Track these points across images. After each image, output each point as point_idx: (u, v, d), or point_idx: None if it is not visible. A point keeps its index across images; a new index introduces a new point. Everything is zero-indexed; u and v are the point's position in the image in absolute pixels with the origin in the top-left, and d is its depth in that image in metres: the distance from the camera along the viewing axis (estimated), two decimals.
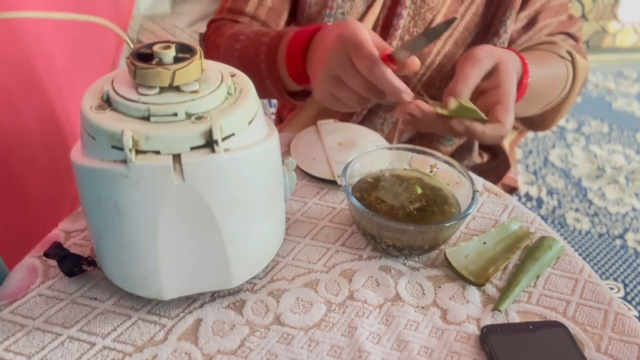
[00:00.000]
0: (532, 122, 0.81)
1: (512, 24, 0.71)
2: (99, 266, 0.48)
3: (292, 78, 0.65)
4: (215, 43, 0.75)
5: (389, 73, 0.51)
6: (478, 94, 0.56)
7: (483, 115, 0.53)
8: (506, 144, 0.86)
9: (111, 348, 0.43)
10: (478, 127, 0.53)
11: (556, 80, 0.70)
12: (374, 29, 0.74)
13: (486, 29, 0.73)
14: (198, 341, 0.44)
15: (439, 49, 0.73)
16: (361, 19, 0.74)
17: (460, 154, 0.84)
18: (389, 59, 0.52)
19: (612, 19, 2.51)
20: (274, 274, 0.51)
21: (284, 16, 0.78)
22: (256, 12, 0.76)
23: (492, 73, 0.56)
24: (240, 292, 0.49)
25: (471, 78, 0.54)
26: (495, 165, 0.86)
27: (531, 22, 0.74)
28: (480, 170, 0.86)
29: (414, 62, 0.54)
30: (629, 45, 2.63)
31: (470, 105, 0.53)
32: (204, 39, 0.81)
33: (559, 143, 2.00)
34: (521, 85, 0.61)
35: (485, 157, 0.87)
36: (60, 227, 0.55)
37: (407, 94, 0.53)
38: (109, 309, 0.47)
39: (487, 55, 0.55)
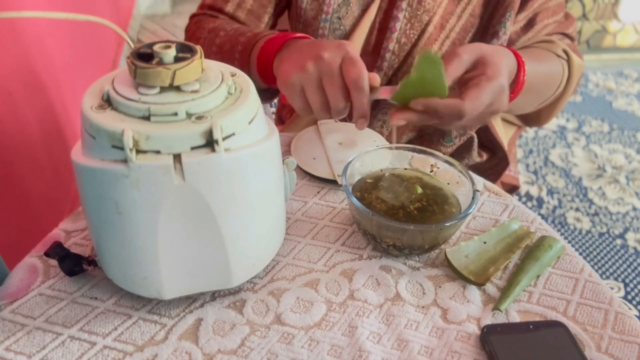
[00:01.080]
0: (528, 118, 0.82)
1: (511, 26, 0.71)
2: (100, 266, 0.48)
3: (260, 78, 0.66)
4: (196, 35, 0.76)
5: (367, 92, 0.54)
6: (461, 86, 0.56)
7: (440, 85, 0.52)
8: (505, 141, 0.86)
9: (112, 347, 0.44)
10: (435, 101, 0.52)
11: (552, 78, 0.71)
12: (370, 32, 0.74)
13: (484, 30, 0.73)
14: (198, 341, 0.44)
15: (436, 51, 0.73)
16: (357, 22, 0.74)
17: (460, 153, 0.84)
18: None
19: (613, 18, 2.51)
20: (274, 274, 0.51)
21: (265, 19, 0.78)
22: (235, 12, 0.77)
23: (477, 66, 0.55)
24: (241, 292, 0.49)
25: (460, 61, 0.54)
26: (494, 163, 0.87)
27: (530, 23, 0.74)
28: (480, 168, 0.86)
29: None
30: (630, 45, 2.63)
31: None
32: (185, 30, 0.82)
33: (560, 142, 2.00)
34: (517, 81, 0.61)
35: (485, 156, 0.87)
36: (61, 226, 0.55)
37: (365, 122, 0.55)
38: (110, 308, 0.47)
39: (467, 50, 0.55)
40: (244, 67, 0.68)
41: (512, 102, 0.62)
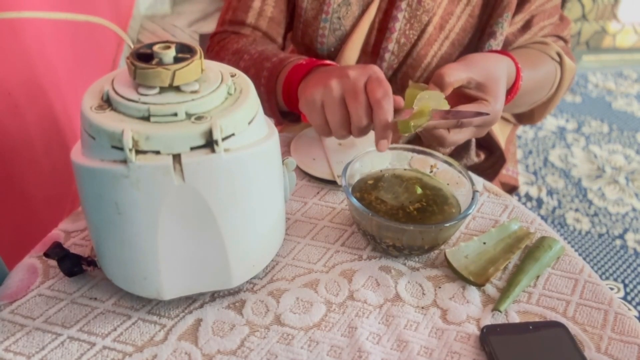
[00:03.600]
0: (522, 117, 0.84)
1: (508, 27, 0.72)
2: (99, 266, 0.48)
3: (284, 102, 0.67)
4: (220, 56, 0.76)
5: (391, 112, 0.54)
6: (466, 99, 0.59)
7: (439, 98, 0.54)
8: (501, 140, 0.86)
9: (111, 348, 0.43)
10: (441, 132, 0.57)
11: (545, 82, 0.73)
12: (370, 32, 0.75)
13: (482, 31, 0.73)
14: (198, 341, 0.44)
15: (436, 51, 0.73)
16: (357, 22, 0.74)
17: (458, 154, 0.84)
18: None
19: (612, 19, 2.50)
20: (274, 274, 0.51)
21: (284, 25, 0.79)
22: (257, 22, 0.77)
23: (479, 88, 0.58)
24: (240, 292, 0.49)
25: (459, 69, 0.57)
26: (492, 162, 0.87)
27: (527, 25, 0.74)
28: (477, 168, 0.87)
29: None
30: (629, 46, 2.63)
31: (419, 90, 0.54)
32: (207, 50, 0.81)
33: (559, 143, 2.00)
34: (514, 87, 0.65)
35: (482, 156, 0.87)
36: (60, 227, 0.55)
37: (386, 144, 0.55)
38: (109, 309, 0.47)
39: (474, 67, 0.58)
40: (271, 93, 0.68)
41: (506, 105, 0.64)
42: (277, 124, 0.98)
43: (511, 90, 0.65)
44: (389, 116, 0.53)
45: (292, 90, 0.64)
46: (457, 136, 0.58)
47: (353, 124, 0.56)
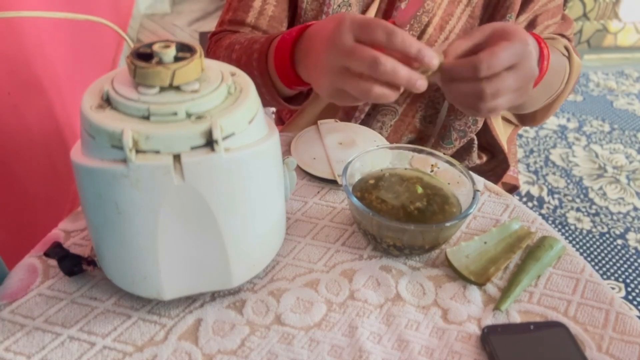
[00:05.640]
0: (524, 117, 0.81)
1: None
2: (99, 266, 0.48)
3: (283, 83, 0.62)
4: (216, 54, 0.74)
5: (408, 35, 0.47)
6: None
7: None
8: (503, 142, 0.86)
9: (111, 348, 0.43)
10: (447, 60, 0.48)
11: (561, 72, 0.68)
12: None
13: None
14: (198, 341, 0.44)
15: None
16: None
17: (459, 155, 0.84)
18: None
19: (614, 18, 2.50)
20: (274, 274, 0.51)
21: (285, 24, 0.77)
22: (257, 22, 0.75)
23: (493, 36, 0.50)
24: (241, 292, 0.49)
25: (471, 35, 0.50)
26: (494, 165, 0.87)
27: (531, 24, 0.74)
28: (479, 170, 0.86)
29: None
30: (630, 44, 2.63)
31: None
32: (206, 51, 0.79)
33: (560, 142, 2.00)
34: (540, 69, 0.56)
35: (485, 158, 0.87)
36: (60, 226, 0.55)
37: (433, 56, 0.47)
38: (109, 308, 0.47)
39: (481, 27, 0.50)
40: (264, 75, 0.63)
41: (530, 93, 0.56)
42: (276, 121, 0.98)
43: (539, 69, 0.55)
44: (411, 40, 0.46)
45: (286, 65, 0.59)
46: (492, 103, 0.49)
47: (388, 73, 0.46)
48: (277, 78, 0.62)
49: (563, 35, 0.77)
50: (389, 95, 0.49)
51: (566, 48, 0.71)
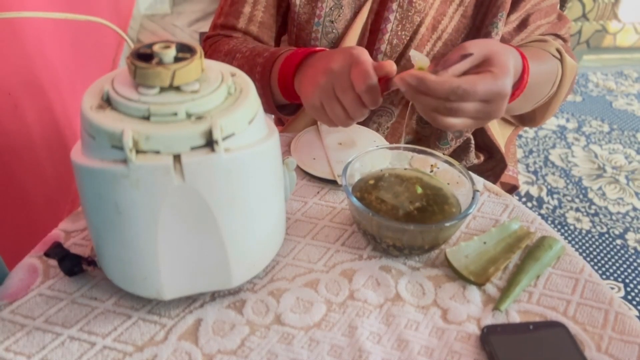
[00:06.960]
0: (524, 118, 0.82)
1: (503, 26, 0.71)
2: (99, 266, 0.48)
3: (282, 95, 0.68)
4: (213, 58, 0.76)
5: (378, 91, 0.54)
6: None
7: None
8: (502, 140, 0.86)
9: (111, 348, 0.43)
10: (426, 76, 0.51)
11: (549, 78, 0.70)
12: (363, 34, 0.74)
13: (477, 31, 0.73)
14: (198, 341, 0.44)
15: (428, 51, 0.73)
16: (349, 25, 0.74)
17: (457, 155, 0.84)
18: (384, 83, 0.55)
19: (613, 18, 2.50)
20: (274, 274, 0.51)
21: (275, 29, 0.80)
22: (247, 27, 0.77)
23: (483, 64, 0.53)
24: (241, 292, 0.49)
25: (468, 54, 0.52)
26: (492, 165, 0.87)
27: (523, 24, 0.74)
28: (477, 170, 0.86)
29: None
30: (630, 45, 2.62)
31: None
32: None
33: (560, 143, 2.00)
34: (521, 82, 0.60)
35: (482, 158, 0.87)
36: (60, 227, 0.55)
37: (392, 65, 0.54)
38: (109, 308, 0.47)
39: (475, 45, 0.53)
40: (265, 87, 0.69)
41: (513, 102, 0.61)
42: (275, 122, 0.99)
43: (518, 86, 0.60)
44: (375, 104, 0.55)
45: (288, 83, 0.65)
46: (451, 120, 0.52)
47: (351, 116, 0.57)
48: (278, 92, 0.68)
49: (557, 35, 0.76)
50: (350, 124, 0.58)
51: (558, 51, 0.71)
